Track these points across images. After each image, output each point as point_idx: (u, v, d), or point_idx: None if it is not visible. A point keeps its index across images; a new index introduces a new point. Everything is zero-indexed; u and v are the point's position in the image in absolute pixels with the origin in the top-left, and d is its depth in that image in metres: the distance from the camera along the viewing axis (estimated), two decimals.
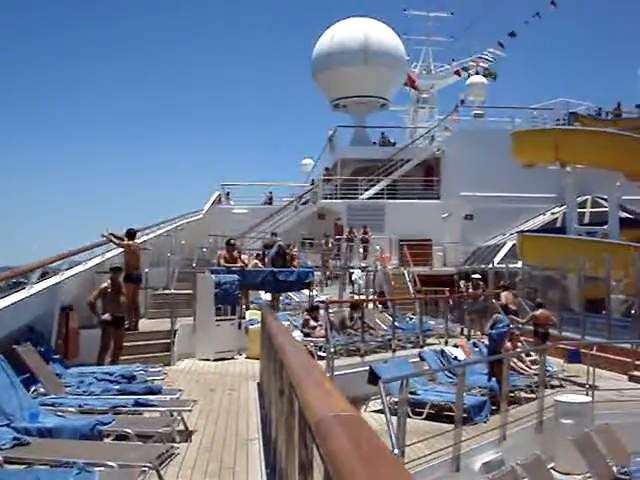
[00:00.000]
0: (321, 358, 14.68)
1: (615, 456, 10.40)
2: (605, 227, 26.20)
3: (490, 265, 28.54)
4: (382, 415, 9.03)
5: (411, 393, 11.90)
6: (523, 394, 13.47)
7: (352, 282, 26.56)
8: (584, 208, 30.73)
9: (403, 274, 29.39)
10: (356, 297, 24.08)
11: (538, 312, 17.19)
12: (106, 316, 12.22)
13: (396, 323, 18.11)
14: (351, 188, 36.54)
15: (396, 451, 7.58)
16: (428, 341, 18.53)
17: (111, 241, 14.97)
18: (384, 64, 39.69)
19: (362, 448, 1.65)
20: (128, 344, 13.10)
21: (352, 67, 39.21)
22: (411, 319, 21.16)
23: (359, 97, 40.82)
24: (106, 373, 10.24)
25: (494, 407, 11.76)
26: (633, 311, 18.86)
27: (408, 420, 9.99)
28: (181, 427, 8.34)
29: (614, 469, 10.09)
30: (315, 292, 21.77)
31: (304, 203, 38.16)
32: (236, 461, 7.41)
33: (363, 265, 29.07)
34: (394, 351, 16.49)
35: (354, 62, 39.17)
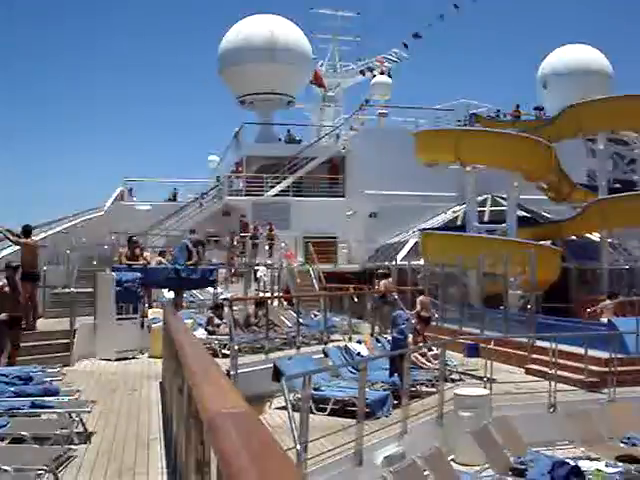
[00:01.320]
0: (225, 356, 14.60)
1: (512, 446, 10.73)
2: (504, 225, 26.98)
3: (393, 262, 28.97)
4: (286, 411, 9.04)
5: (315, 389, 11.95)
6: (424, 388, 13.71)
7: (257, 279, 26.49)
8: (484, 207, 31.60)
9: (308, 271, 29.54)
10: (261, 294, 24.03)
11: (421, 297, 18.17)
12: (2, 316, 11.79)
13: (301, 320, 18.15)
14: (257, 185, 36.44)
15: (298, 447, 7.59)
16: (332, 337, 18.66)
17: (7, 238, 14.46)
18: (290, 61, 39.76)
19: (252, 445, 1.63)
20: (26, 344, 12.68)
21: (258, 64, 39.10)
22: (316, 316, 21.26)
23: (265, 94, 40.75)
24: (1, 375, 9.85)
25: (396, 401, 11.94)
26: (529, 306, 19.53)
27: (312, 416, 10.03)
28: (80, 429, 8.12)
29: (511, 459, 10.40)
30: (220, 290, 21.61)
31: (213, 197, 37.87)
32: (136, 462, 7.28)
33: (268, 262, 29.03)
34: (298, 348, 16.52)
35: (260, 59, 39.08)
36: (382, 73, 46.01)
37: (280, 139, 41.89)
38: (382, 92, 43.72)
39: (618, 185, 31.65)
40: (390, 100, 43.22)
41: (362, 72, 47.22)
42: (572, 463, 9.88)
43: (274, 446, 1.64)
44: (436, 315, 21.41)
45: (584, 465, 10.10)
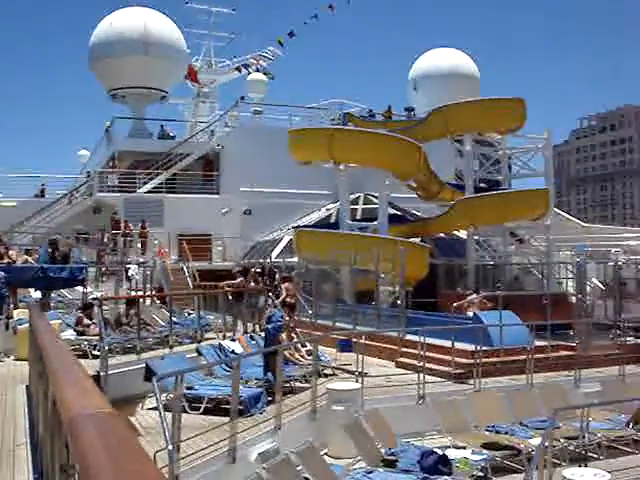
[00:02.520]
0: (96, 357, 14.18)
1: (383, 438, 10.98)
2: (375, 223, 27.54)
3: (268, 260, 29.04)
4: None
5: (188, 388, 11.83)
6: (298, 384, 13.83)
7: (129, 278, 25.90)
8: (356, 205, 32.22)
9: (182, 269, 29.16)
10: (133, 293, 23.51)
11: (286, 284, 19.34)
12: None
13: (174, 319, 17.89)
14: (129, 181, 35.63)
15: (170, 447, 7.48)
16: (207, 336, 18.49)
17: None
18: (164, 56, 39.14)
19: (112, 445, 1.60)
20: None
21: (131, 57, 38.29)
22: (190, 314, 21.01)
23: (138, 88, 39.92)
24: None
25: (270, 398, 11.98)
26: (399, 302, 20.04)
27: (186, 415, 9.94)
28: None
29: (382, 451, 10.65)
30: (89, 289, 20.98)
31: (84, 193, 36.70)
32: (1, 470, 6.96)
33: (141, 260, 28.46)
34: (171, 347, 16.27)
35: (133, 52, 38.26)
36: (258, 71, 46.05)
37: (153, 135, 41.13)
38: (258, 89, 43.76)
39: (484, 185, 32.99)
40: (265, 98, 43.32)
41: (238, 69, 47.09)
42: (440, 452, 10.22)
43: (134, 446, 1.62)
44: (305, 306, 21.73)
45: (451, 453, 10.48)
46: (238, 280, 21.13)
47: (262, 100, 42.52)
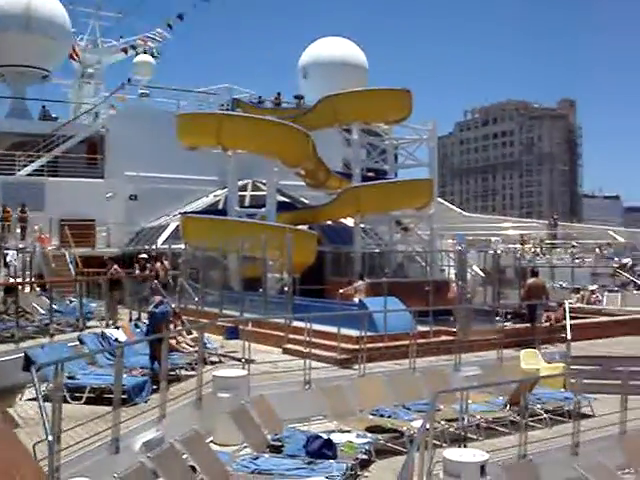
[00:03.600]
0: None
1: (269, 424, 11.00)
2: (263, 210, 27.53)
3: (154, 246, 28.55)
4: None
5: (70, 378, 11.52)
6: (184, 372, 13.69)
7: (7, 264, 24.91)
8: (245, 191, 32.08)
9: (64, 255, 28.27)
10: (11, 280, 22.63)
11: (158, 264, 20.65)
12: None
13: (55, 306, 17.37)
14: (7, 163, 34.14)
15: (50, 438, 7.24)
16: (89, 324, 18.05)
17: None
18: (47, 33, 37.71)
19: None
20: None
21: (11, 33, 36.64)
22: (71, 302, 20.42)
23: (18, 66, 38.25)
24: None
25: (155, 386, 11.80)
26: (286, 288, 20.13)
27: (67, 406, 9.65)
28: None
29: (268, 437, 10.68)
30: None
31: None
32: None
33: (20, 246, 27.41)
34: (52, 336, 15.80)
35: (13, 28, 36.62)
36: (145, 52, 44.99)
37: (34, 116, 39.57)
38: (144, 72, 42.80)
39: (371, 174, 33.53)
40: (152, 81, 42.42)
41: (124, 50, 45.79)
42: (325, 436, 10.34)
43: (10, 436, 1.55)
44: (192, 294, 21.54)
45: (336, 437, 10.61)
46: (157, 266, 20.74)
47: (149, 83, 41.60)
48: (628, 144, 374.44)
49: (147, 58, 44.19)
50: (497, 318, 18.61)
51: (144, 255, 24.59)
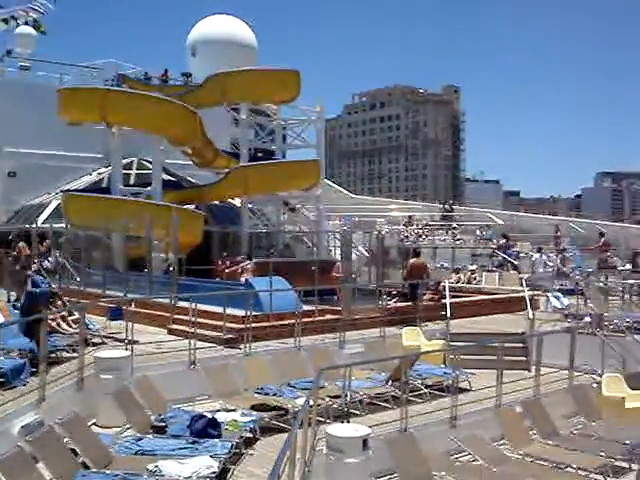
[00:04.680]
0: None
1: (153, 405, 10.90)
2: (149, 189, 27.04)
3: (34, 225, 27.53)
4: None
5: None
6: (65, 354, 13.32)
7: None
8: (130, 170, 31.36)
9: None
10: None
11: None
12: None
13: None
14: None
15: None
16: None
17: None
18: None
19: None
20: None
21: None
22: None
23: None
24: None
25: (34, 369, 11.45)
26: (172, 268, 19.90)
27: None
28: None
29: (152, 417, 10.57)
30: None
31: None
32: None
33: None
34: None
35: None
36: (27, 24, 42.98)
37: None
38: (26, 44, 40.91)
39: (260, 154, 33.49)
40: (35, 54, 40.63)
41: (5, 20, 43.54)
42: (210, 416, 10.34)
43: None
44: (74, 274, 20.97)
45: (221, 416, 10.62)
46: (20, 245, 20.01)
47: (31, 56, 39.85)
48: (508, 131, 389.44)
49: (28, 29, 42.25)
50: (381, 297, 19.05)
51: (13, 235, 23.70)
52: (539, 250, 27.63)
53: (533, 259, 26.94)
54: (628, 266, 27.03)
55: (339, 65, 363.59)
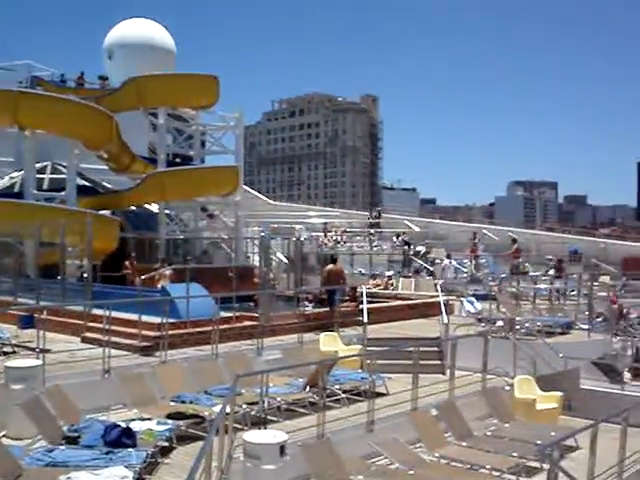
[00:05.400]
0: None
1: (65, 415, 10.63)
2: (63, 194, 26.39)
3: None
4: None
5: None
6: None
7: None
8: (43, 174, 30.52)
9: None
10: None
11: None
12: None
13: None
14: None
15: None
16: None
17: None
18: None
19: None
20: None
21: None
22: None
23: None
24: None
25: None
26: (86, 275, 19.48)
27: None
28: None
29: (64, 428, 10.31)
30: None
31: None
32: None
33: None
34: None
35: None
36: None
37: None
38: None
39: (177, 159, 33.12)
40: None
41: None
42: (124, 425, 10.15)
43: None
44: None
45: (136, 426, 10.43)
46: None
47: None
48: (424, 140, 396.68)
49: None
50: (299, 303, 19.10)
51: None
52: (448, 256, 28.29)
53: (443, 265, 27.56)
54: (552, 272, 27.95)
55: (259, 72, 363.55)
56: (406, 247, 31.47)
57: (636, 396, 13.53)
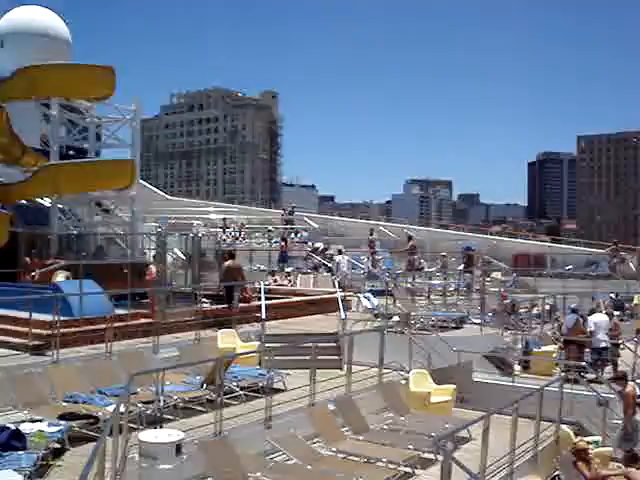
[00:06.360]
0: None
1: None
2: None
3: None
4: None
5: None
6: None
7: None
8: None
9: None
10: None
11: None
12: None
13: None
14: None
15: None
16: None
17: None
18: None
19: None
20: None
21: None
22: None
23: None
24: None
25: None
26: None
27: None
28: None
29: None
30: None
31: None
32: None
33: None
34: None
35: None
36: None
37: None
38: None
39: (71, 152, 32.12)
40: None
41: None
42: (13, 427, 9.79)
43: None
44: None
45: (26, 427, 10.08)
46: None
47: None
48: (323, 138, 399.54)
49: None
50: (197, 300, 18.89)
51: None
52: (339, 252, 28.80)
53: (336, 260, 28.02)
54: (462, 266, 28.79)
55: (158, 65, 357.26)
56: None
57: (526, 388, 14.01)
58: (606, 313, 20.64)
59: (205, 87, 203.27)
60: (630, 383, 14.13)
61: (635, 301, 25.99)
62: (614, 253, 32.50)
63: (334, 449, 11.02)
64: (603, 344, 18.36)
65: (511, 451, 10.45)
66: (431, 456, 10.99)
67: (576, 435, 12.65)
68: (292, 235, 37.60)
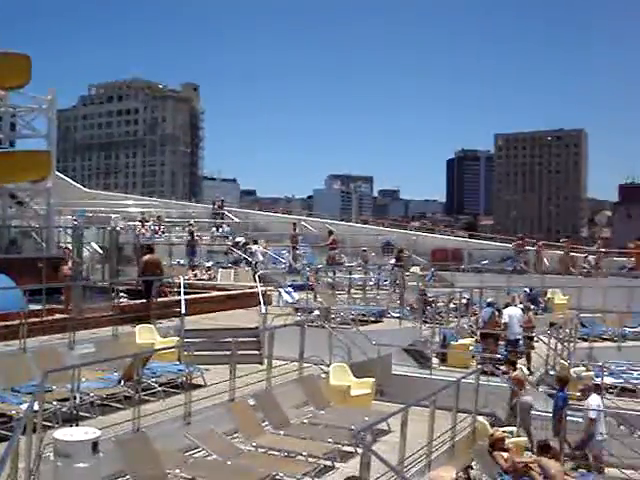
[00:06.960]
0: None
1: None
2: None
3: None
4: None
5: None
6: None
7: None
8: None
9: None
10: None
11: None
12: None
13: None
14: None
15: None
16: None
17: None
18: None
19: None
20: None
21: None
22: None
23: None
24: None
25: None
26: None
27: None
28: None
29: None
30: None
31: None
32: None
33: None
34: None
35: None
36: None
37: None
38: None
39: None
40: None
41: None
42: None
43: None
44: None
45: None
46: None
47: None
48: (245, 132, 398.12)
49: None
50: (114, 294, 18.55)
51: None
52: (255, 242, 28.88)
53: (252, 249, 28.13)
54: (393, 261, 29.09)
55: (76, 55, 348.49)
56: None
57: (443, 380, 14.28)
58: (522, 307, 21.24)
59: (125, 78, 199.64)
60: (518, 367, 15.99)
61: (549, 295, 26.80)
62: (520, 248, 33.42)
63: (254, 444, 11.01)
64: (517, 336, 18.88)
65: (429, 442, 10.65)
66: (351, 449, 11.10)
67: (492, 426, 13.01)
68: (214, 229, 37.35)
